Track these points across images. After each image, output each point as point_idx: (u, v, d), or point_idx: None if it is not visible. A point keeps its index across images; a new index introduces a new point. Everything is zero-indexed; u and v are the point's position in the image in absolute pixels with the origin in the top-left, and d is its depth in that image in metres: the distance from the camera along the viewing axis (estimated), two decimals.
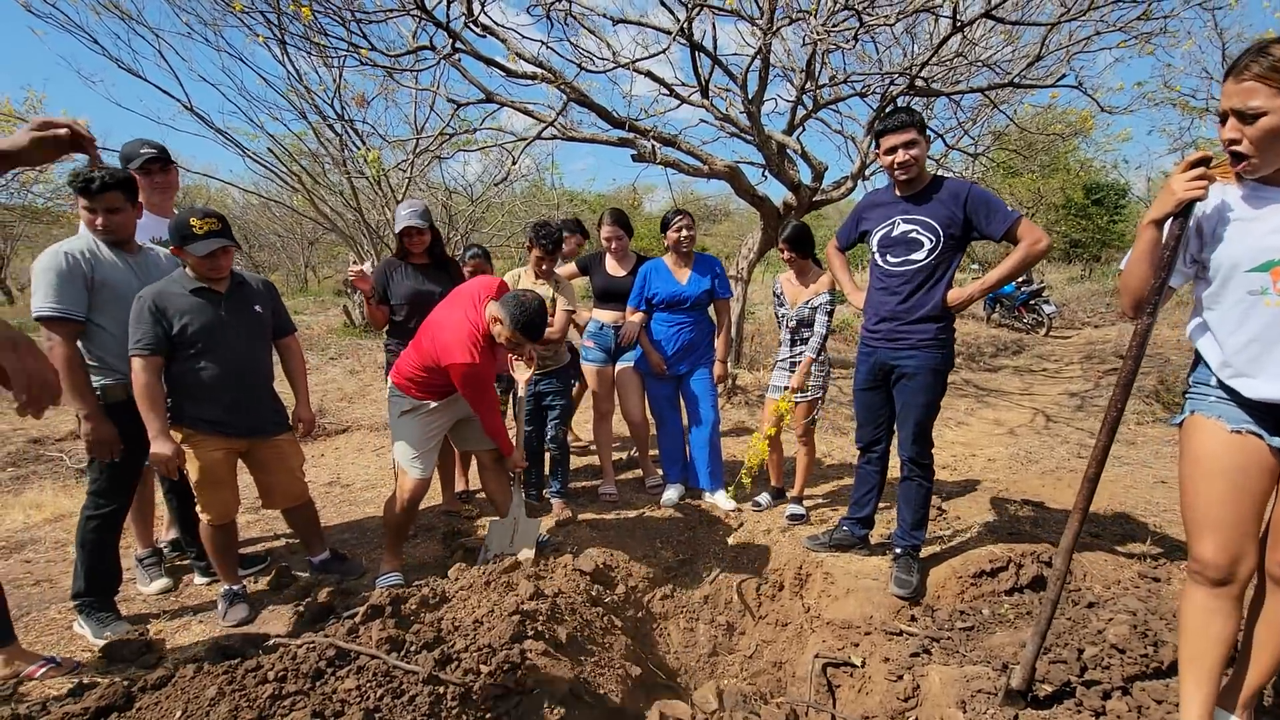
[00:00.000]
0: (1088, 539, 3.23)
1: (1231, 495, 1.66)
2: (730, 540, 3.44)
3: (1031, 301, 11.54)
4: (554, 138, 4.88)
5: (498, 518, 3.04)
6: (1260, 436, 1.63)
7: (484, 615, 2.28)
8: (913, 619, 2.66)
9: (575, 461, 4.60)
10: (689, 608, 3.14)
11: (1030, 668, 2.01)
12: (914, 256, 2.63)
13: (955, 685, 2.13)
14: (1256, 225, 1.58)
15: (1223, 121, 1.56)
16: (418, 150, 5.41)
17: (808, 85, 5.01)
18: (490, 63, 4.32)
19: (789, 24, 4.44)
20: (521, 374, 3.02)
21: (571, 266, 3.97)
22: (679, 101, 5.18)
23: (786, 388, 3.40)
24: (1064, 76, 5.26)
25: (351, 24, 4.63)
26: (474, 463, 3.62)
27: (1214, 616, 1.71)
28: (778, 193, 5.84)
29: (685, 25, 4.06)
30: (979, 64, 5.51)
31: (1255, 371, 1.61)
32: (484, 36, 4.52)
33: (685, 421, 3.85)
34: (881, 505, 3.18)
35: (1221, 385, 1.69)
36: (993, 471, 4.39)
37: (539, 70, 4.30)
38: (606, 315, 3.79)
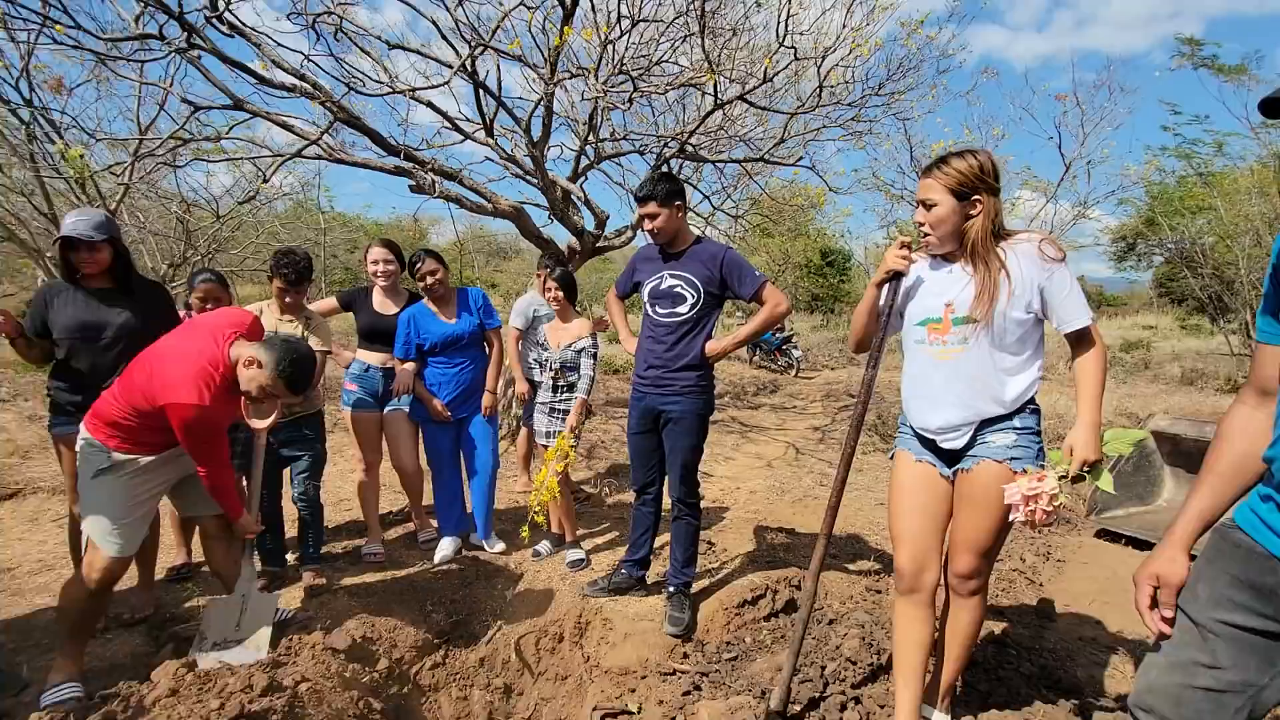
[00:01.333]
0: (827, 560, 3.67)
1: (916, 514, 2.02)
2: (509, 593, 3.28)
3: (784, 346, 13.21)
4: (318, 158, 4.42)
5: (222, 596, 2.53)
6: (934, 466, 2.01)
7: None
8: (685, 656, 2.75)
9: (343, 518, 4.08)
10: (463, 674, 2.90)
11: (785, 689, 2.17)
12: (678, 310, 2.81)
13: (721, 717, 2.22)
14: (927, 289, 1.99)
15: (916, 208, 1.96)
16: (139, 153, 4.53)
17: (590, 137, 5.22)
18: (238, 66, 3.79)
19: (570, 78, 4.61)
20: (261, 422, 2.58)
21: (330, 301, 3.57)
22: (463, 136, 5.04)
23: (555, 432, 3.40)
24: (801, 158, 6.19)
25: None
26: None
27: (912, 624, 2.02)
28: (563, 236, 5.95)
29: (468, 62, 3.98)
30: (737, 138, 6.24)
31: (917, 406, 2.01)
32: (231, 36, 3.97)
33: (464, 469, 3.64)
34: (659, 544, 3.29)
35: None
36: (754, 503, 4.82)
37: (300, 84, 3.88)
38: (373, 356, 3.46)
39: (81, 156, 4.22)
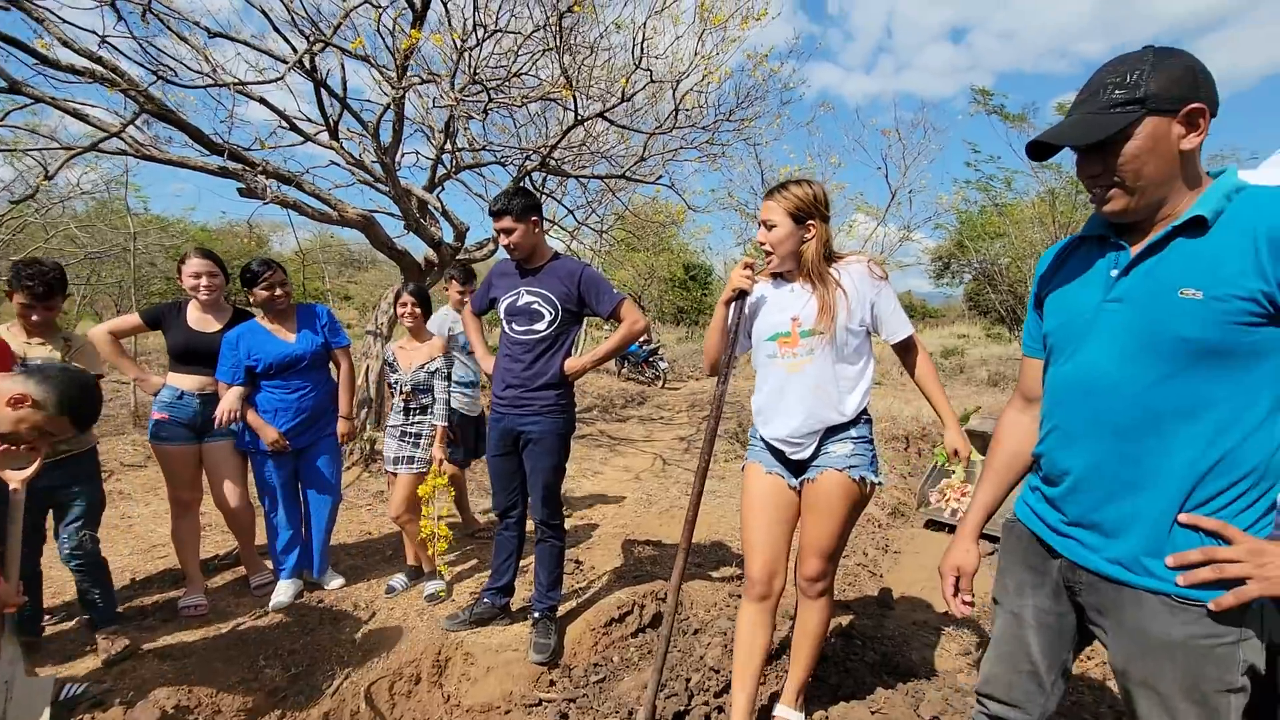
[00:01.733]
0: (692, 569, 3.75)
1: (767, 524, 2.12)
2: (358, 636, 3.00)
3: (650, 359, 13.49)
4: (122, 153, 3.86)
5: None
6: (783, 476, 2.12)
7: None
8: (551, 684, 2.67)
9: (156, 568, 3.54)
10: None
11: (650, 707, 2.16)
12: (536, 327, 2.75)
13: None
14: (772, 307, 2.11)
15: (759, 228, 2.09)
16: None
17: (447, 146, 5.02)
18: (10, 42, 3.21)
19: (422, 83, 4.40)
20: (19, 475, 1.99)
21: (133, 318, 3.09)
22: (303, 138, 4.64)
23: (406, 458, 3.23)
24: (661, 176, 6.40)
25: None
26: None
27: (756, 629, 2.13)
28: (420, 248, 5.65)
29: (306, 58, 3.67)
30: (600, 155, 6.32)
31: (770, 418, 2.11)
32: (8, 9, 3.36)
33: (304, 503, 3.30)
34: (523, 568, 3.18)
35: (762, 435, 2.16)
36: (622, 517, 4.83)
37: (94, 67, 3.36)
38: (188, 381, 3.04)
39: None
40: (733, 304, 2.11)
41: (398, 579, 3.38)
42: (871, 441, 2.11)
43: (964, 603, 1.49)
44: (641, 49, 4.49)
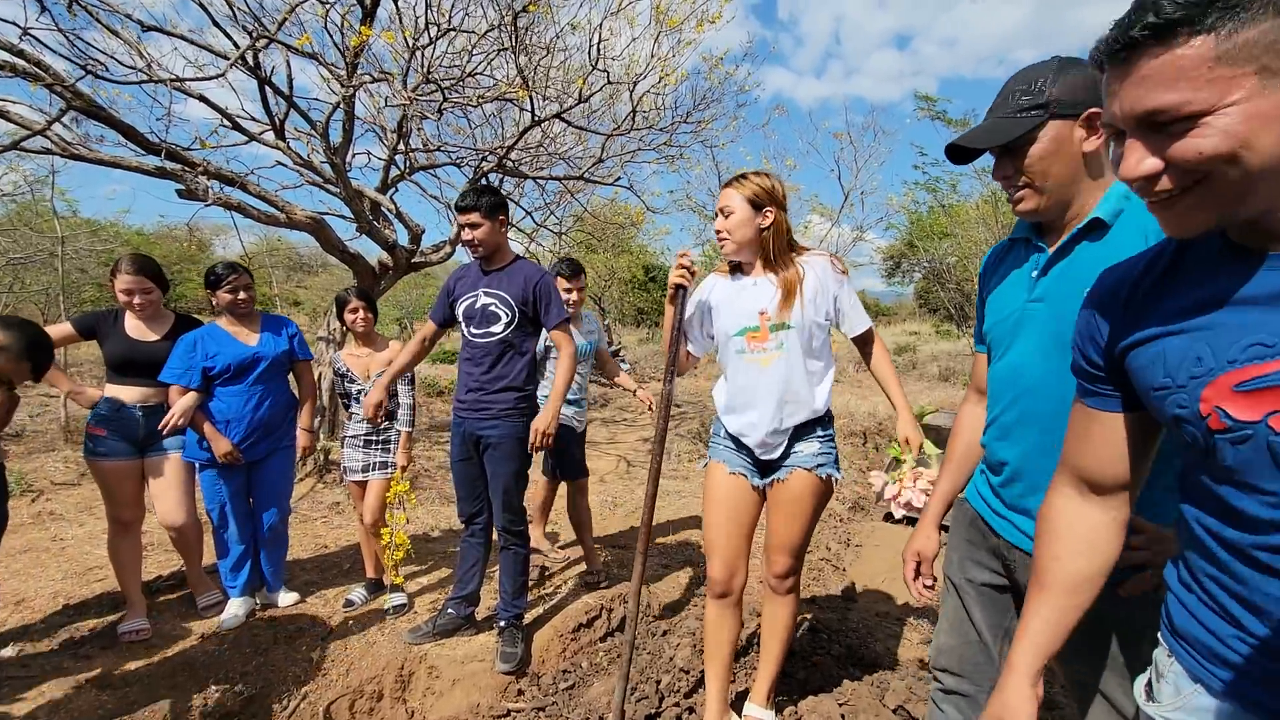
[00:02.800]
0: (658, 570, 3.75)
1: (728, 524, 2.13)
2: (315, 654, 2.89)
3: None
4: (46, 152, 3.64)
5: None
6: (747, 476, 2.12)
7: None
8: (520, 693, 2.62)
9: (92, 591, 3.34)
10: None
11: (619, 712, 2.14)
12: (493, 329, 2.71)
13: None
14: (736, 302, 2.10)
15: (716, 218, 2.10)
16: None
17: (400, 146, 4.90)
18: None
19: (373, 82, 4.29)
20: None
21: (65, 327, 2.90)
22: (247, 137, 4.46)
23: (374, 464, 3.14)
24: (620, 178, 6.38)
25: None
26: None
27: (722, 624, 2.16)
28: (374, 251, 5.50)
29: (249, 55, 3.52)
30: (557, 156, 6.26)
31: (740, 416, 2.11)
32: None
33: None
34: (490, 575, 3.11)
35: (728, 434, 2.16)
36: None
37: (15, 60, 3.16)
38: (128, 392, 2.87)
39: None
40: (676, 301, 2.08)
41: (356, 593, 3.27)
42: (834, 438, 2.14)
43: (924, 585, 1.56)
44: (598, 50, 4.47)
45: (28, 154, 3.76)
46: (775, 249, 2.03)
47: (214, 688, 2.59)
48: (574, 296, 3.47)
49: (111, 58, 3.77)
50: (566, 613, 3.07)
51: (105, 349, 2.89)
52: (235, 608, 3.04)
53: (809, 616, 3.11)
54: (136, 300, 2.85)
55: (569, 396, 3.43)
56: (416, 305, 21.37)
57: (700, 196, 11.75)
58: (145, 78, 3.48)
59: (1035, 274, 1.29)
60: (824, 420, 2.10)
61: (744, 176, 2.05)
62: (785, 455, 2.07)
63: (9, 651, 2.72)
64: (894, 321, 32.69)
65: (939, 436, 5.37)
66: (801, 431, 2.06)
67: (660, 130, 5.91)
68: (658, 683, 2.48)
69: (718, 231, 2.09)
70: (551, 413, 2.69)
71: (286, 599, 3.20)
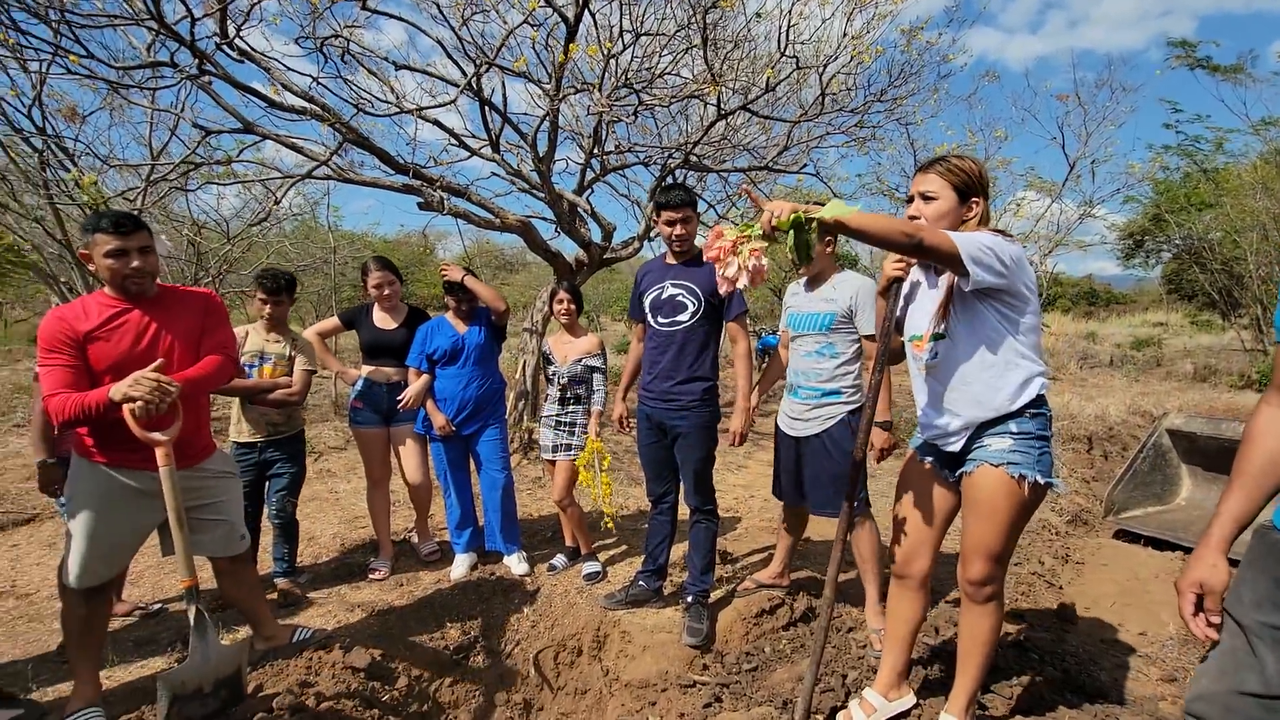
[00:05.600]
0: (845, 566, 3.65)
1: (911, 507, 2.11)
2: (526, 608, 3.27)
3: None
4: (328, 178, 4.48)
5: (177, 668, 2.15)
6: (935, 467, 2.08)
7: None
8: (704, 668, 2.74)
9: (359, 536, 4.10)
10: (482, 690, 2.90)
11: (808, 700, 2.15)
12: (679, 318, 2.83)
13: None
14: (918, 304, 2.04)
15: (909, 202, 1.99)
16: (153, 178, 4.59)
17: (595, 150, 5.26)
18: (248, 91, 3.85)
19: (575, 93, 4.65)
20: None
21: (333, 320, 3.61)
22: (469, 153, 5.09)
23: (562, 445, 3.42)
24: (805, 165, 6.22)
25: (60, 25, 3.83)
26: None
27: (901, 601, 2.17)
28: (570, 249, 5.98)
29: (473, 81, 4.03)
30: (741, 147, 6.27)
31: (919, 411, 2.08)
32: (242, 61, 4.03)
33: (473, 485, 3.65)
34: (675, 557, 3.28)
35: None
36: (768, 511, 4.80)
37: (310, 106, 3.94)
38: (376, 373, 3.49)
39: (95, 183, 4.28)
40: (890, 295, 2.02)
41: (558, 559, 3.62)
42: (1042, 439, 1.91)
43: (1208, 624, 1.28)
44: (787, 36, 4.41)
45: (314, 180, 4.66)
46: None
47: (450, 625, 3.06)
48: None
49: (370, 95, 4.55)
50: (750, 598, 3.13)
51: (360, 337, 3.54)
52: (460, 563, 3.54)
53: (1014, 632, 2.84)
54: (385, 291, 3.48)
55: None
56: (603, 299, 22.62)
57: (892, 179, 10.98)
58: (397, 110, 4.14)
59: None
60: (1020, 416, 1.89)
61: (947, 159, 1.92)
62: (970, 449, 1.95)
63: (304, 579, 3.45)
64: (1132, 310, 27.82)
65: (1189, 443, 4.54)
66: (989, 426, 1.91)
67: (851, 112, 5.64)
68: (844, 677, 2.45)
69: (912, 218, 1.96)
70: (745, 412, 2.86)
71: (519, 568, 3.54)
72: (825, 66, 4.96)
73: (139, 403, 1.96)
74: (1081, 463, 5.97)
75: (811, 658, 2.12)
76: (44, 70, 4.43)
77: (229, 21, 3.63)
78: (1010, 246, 1.80)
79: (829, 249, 2.80)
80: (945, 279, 1.92)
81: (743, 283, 1.71)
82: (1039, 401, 1.91)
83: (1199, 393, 9.42)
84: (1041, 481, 1.86)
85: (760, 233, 1.67)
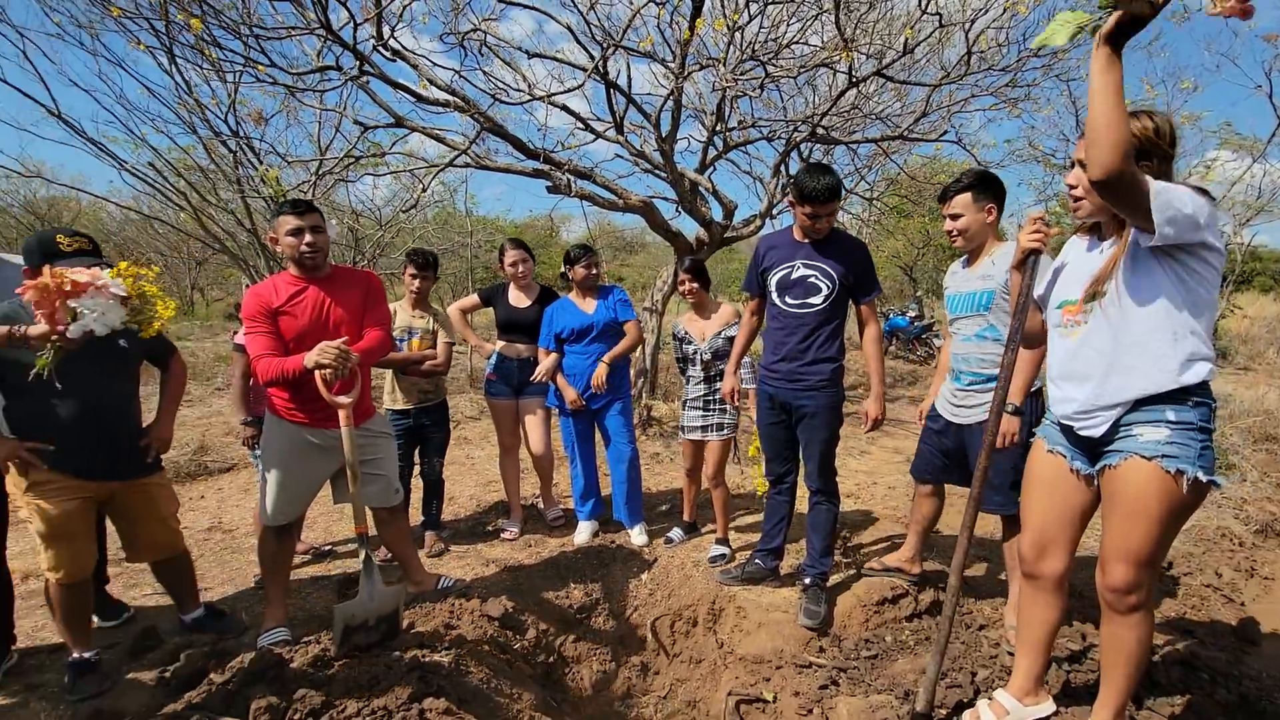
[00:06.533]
0: (976, 561, 3.44)
1: (1043, 502, 1.94)
2: (644, 576, 3.40)
3: (923, 335, 12.33)
4: (467, 166, 4.80)
5: (349, 602, 2.39)
6: (1066, 457, 1.89)
7: (380, 673, 2.12)
8: (821, 650, 2.71)
9: (493, 498, 4.44)
10: (602, 649, 3.06)
11: (931, 692, 2.08)
12: (812, 300, 2.74)
13: (862, 715, 2.17)
14: (1072, 271, 1.87)
15: (1069, 168, 1.83)
16: (321, 171, 5.16)
17: (718, 127, 5.21)
18: (400, 88, 4.21)
19: (699, 70, 4.63)
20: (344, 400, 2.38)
21: (474, 298, 3.88)
22: (594, 136, 5.24)
23: (713, 425, 3.39)
24: (946, 132, 5.76)
25: (249, 39, 4.38)
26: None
27: (1034, 602, 2.01)
28: (690, 228, 5.99)
29: (600, 64, 4.13)
30: (873, 116, 5.94)
31: (1054, 389, 1.91)
32: (394, 61, 4.40)
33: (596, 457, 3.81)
34: (792, 538, 3.25)
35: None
36: (893, 499, 4.60)
37: (452, 98, 4.23)
38: (509, 348, 3.72)
39: (277, 178, 4.88)
40: (1025, 268, 1.88)
41: (675, 532, 3.71)
42: (1204, 432, 1.68)
43: None
44: None
45: (455, 168, 5.01)
46: None
47: (574, 586, 3.25)
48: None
49: (504, 85, 4.80)
50: (870, 585, 3.04)
51: (496, 314, 3.79)
52: (583, 530, 3.73)
53: (1180, 648, 2.54)
54: (520, 269, 3.69)
55: None
56: (721, 279, 22.44)
57: (1048, 143, 9.83)
58: (528, 97, 4.34)
59: None
60: (1181, 401, 1.67)
61: None
62: (1113, 435, 1.74)
63: (446, 534, 3.79)
64: None
65: None
66: (1141, 409, 1.70)
67: (1001, 70, 5.14)
68: (973, 674, 2.33)
69: (1070, 187, 1.80)
70: (880, 397, 2.81)
71: (639, 539, 3.67)
72: (973, 22, 4.56)
73: (328, 369, 2.25)
74: (1272, 465, 5.15)
75: (935, 647, 2.04)
76: (237, 79, 5.10)
77: (384, 24, 3.97)
78: (1209, 206, 1.60)
79: (990, 217, 2.55)
80: (1110, 246, 1.76)
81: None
82: (1204, 389, 1.69)
83: None
84: (1204, 479, 1.65)
85: None
